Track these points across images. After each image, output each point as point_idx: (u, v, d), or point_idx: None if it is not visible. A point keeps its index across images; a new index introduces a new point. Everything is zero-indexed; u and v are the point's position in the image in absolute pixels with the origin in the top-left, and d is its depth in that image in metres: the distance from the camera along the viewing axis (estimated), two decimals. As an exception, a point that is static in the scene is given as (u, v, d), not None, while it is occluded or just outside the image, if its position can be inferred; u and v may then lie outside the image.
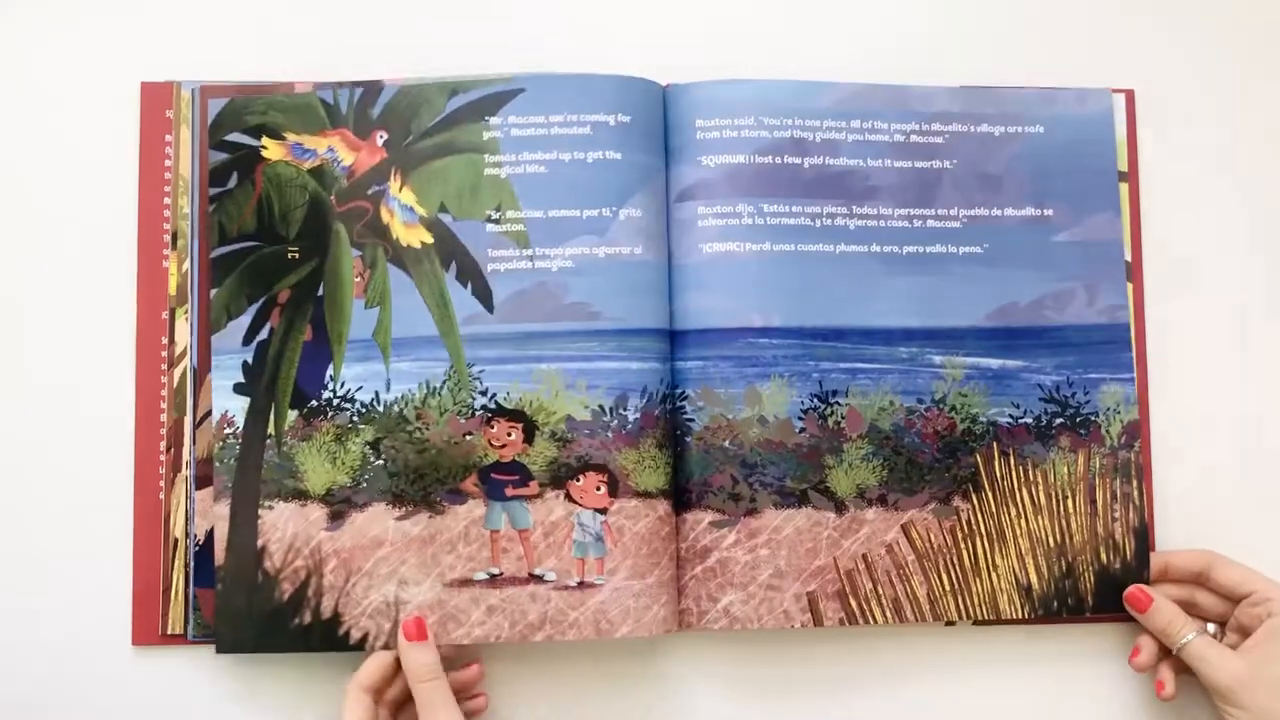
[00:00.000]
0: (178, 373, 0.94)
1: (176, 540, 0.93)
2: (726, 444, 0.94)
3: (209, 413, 0.93)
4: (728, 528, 0.93)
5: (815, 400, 0.95)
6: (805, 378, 0.95)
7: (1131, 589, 0.95)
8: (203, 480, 0.93)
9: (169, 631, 0.93)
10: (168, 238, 0.96)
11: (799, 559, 0.94)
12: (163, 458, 0.94)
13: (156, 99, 0.97)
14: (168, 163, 0.96)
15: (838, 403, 0.95)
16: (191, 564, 0.93)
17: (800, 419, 0.94)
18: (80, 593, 0.94)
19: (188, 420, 0.94)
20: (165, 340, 0.95)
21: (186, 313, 0.95)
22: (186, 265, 0.95)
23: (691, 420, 0.94)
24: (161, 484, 0.94)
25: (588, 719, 0.96)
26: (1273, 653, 0.90)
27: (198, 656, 0.94)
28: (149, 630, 0.94)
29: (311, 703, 0.94)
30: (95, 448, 0.95)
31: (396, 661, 0.90)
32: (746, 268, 0.94)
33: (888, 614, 0.94)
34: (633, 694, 0.96)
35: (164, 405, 0.95)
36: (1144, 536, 0.96)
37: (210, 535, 0.93)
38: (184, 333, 0.95)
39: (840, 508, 0.95)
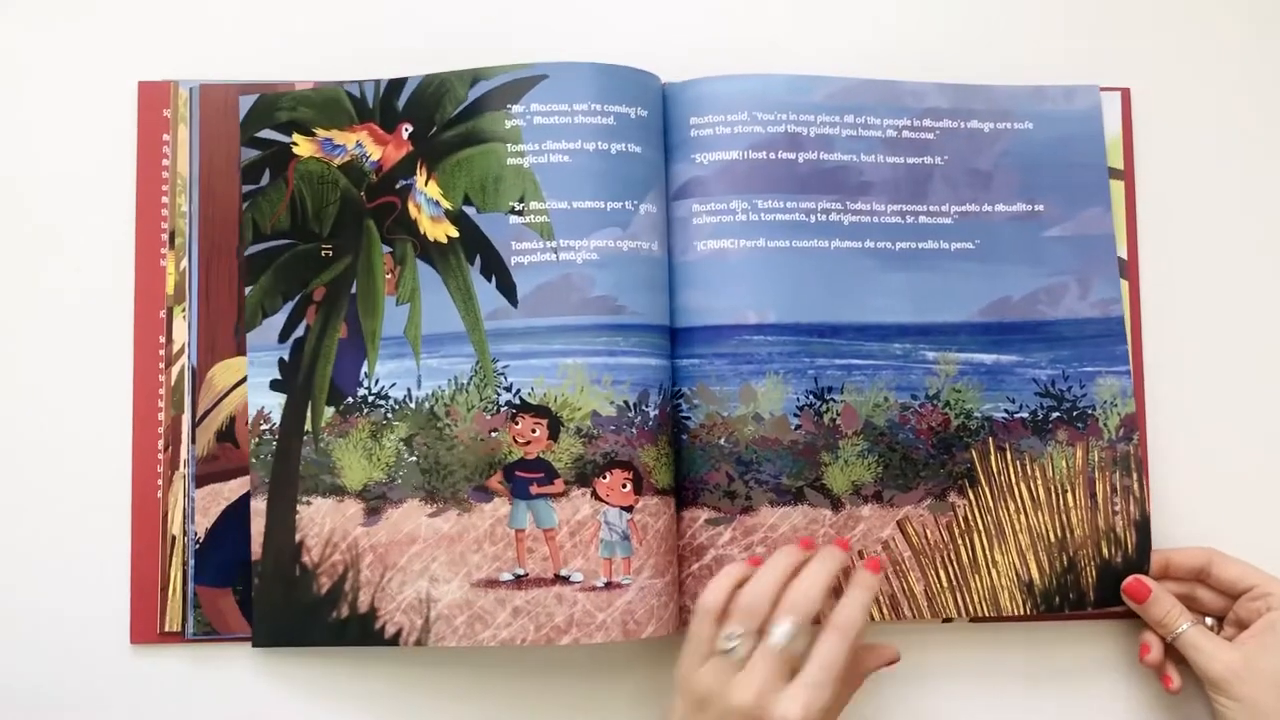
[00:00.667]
0: (175, 371, 0.94)
1: (174, 538, 0.93)
2: (722, 441, 0.93)
3: (208, 411, 0.94)
4: (723, 525, 0.93)
5: (811, 397, 0.94)
6: (801, 374, 0.94)
7: (1130, 580, 0.95)
8: (203, 478, 0.93)
9: (167, 629, 0.93)
10: (165, 236, 0.95)
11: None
12: (160, 456, 0.94)
13: (154, 98, 0.97)
14: (165, 162, 0.96)
15: (833, 399, 0.95)
16: (191, 562, 0.93)
17: (796, 416, 0.94)
18: (78, 591, 0.94)
19: (185, 418, 0.94)
20: (163, 339, 0.95)
21: (184, 311, 0.95)
22: (184, 264, 0.95)
23: (688, 418, 0.94)
24: (159, 482, 0.94)
25: (581, 718, 0.96)
26: (1268, 644, 0.90)
27: (196, 654, 0.94)
28: (147, 628, 0.93)
29: (311, 701, 0.94)
30: (93, 446, 0.95)
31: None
32: (741, 265, 0.94)
33: (884, 611, 0.94)
34: (629, 692, 0.96)
35: (161, 404, 0.95)
36: (1145, 529, 0.96)
37: (210, 533, 0.93)
38: (181, 331, 0.95)
39: (836, 505, 0.94)
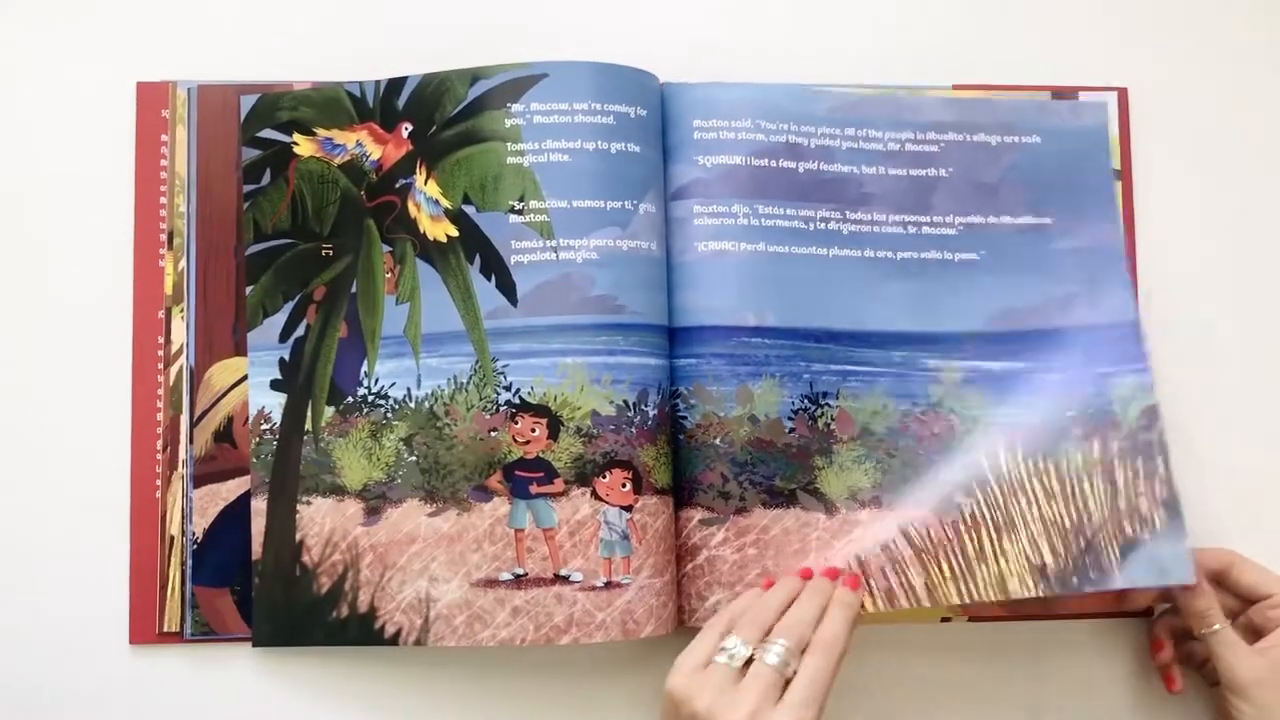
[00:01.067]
0: (174, 371, 0.94)
1: (173, 538, 0.93)
2: (717, 441, 0.93)
3: (206, 411, 0.94)
4: (717, 525, 0.93)
5: (805, 401, 0.94)
6: (796, 378, 0.94)
7: None
8: (200, 478, 0.93)
9: (165, 629, 0.93)
10: (164, 237, 0.96)
11: (786, 559, 0.93)
12: (159, 456, 0.94)
13: (152, 99, 0.97)
14: (163, 162, 0.96)
15: (828, 404, 0.94)
16: (189, 562, 0.93)
17: (790, 419, 0.94)
18: (77, 591, 0.94)
19: (183, 418, 0.94)
20: (161, 339, 0.95)
21: (183, 311, 0.95)
22: (183, 264, 0.95)
23: (684, 418, 0.93)
24: (158, 482, 0.94)
25: (581, 718, 0.96)
26: None
27: (195, 655, 0.94)
28: (146, 629, 0.93)
29: (311, 701, 0.94)
30: (92, 446, 0.95)
31: None
32: (741, 267, 0.94)
33: (879, 603, 0.92)
34: (628, 692, 0.96)
35: (160, 404, 0.95)
36: (1175, 507, 0.93)
37: (207, 533, 0.93)
38: (180, 331, 0.95)
39: (830, 509, 0.94)
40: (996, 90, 1.01)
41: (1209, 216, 1.02)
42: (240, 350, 0.95)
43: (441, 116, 0.94)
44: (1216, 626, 0.92)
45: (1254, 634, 0.93)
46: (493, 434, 0.92)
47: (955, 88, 1.01)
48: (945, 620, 0.97)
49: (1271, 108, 1.04)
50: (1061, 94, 1.01)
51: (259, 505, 0.93)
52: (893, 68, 1.00)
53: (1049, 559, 0.93)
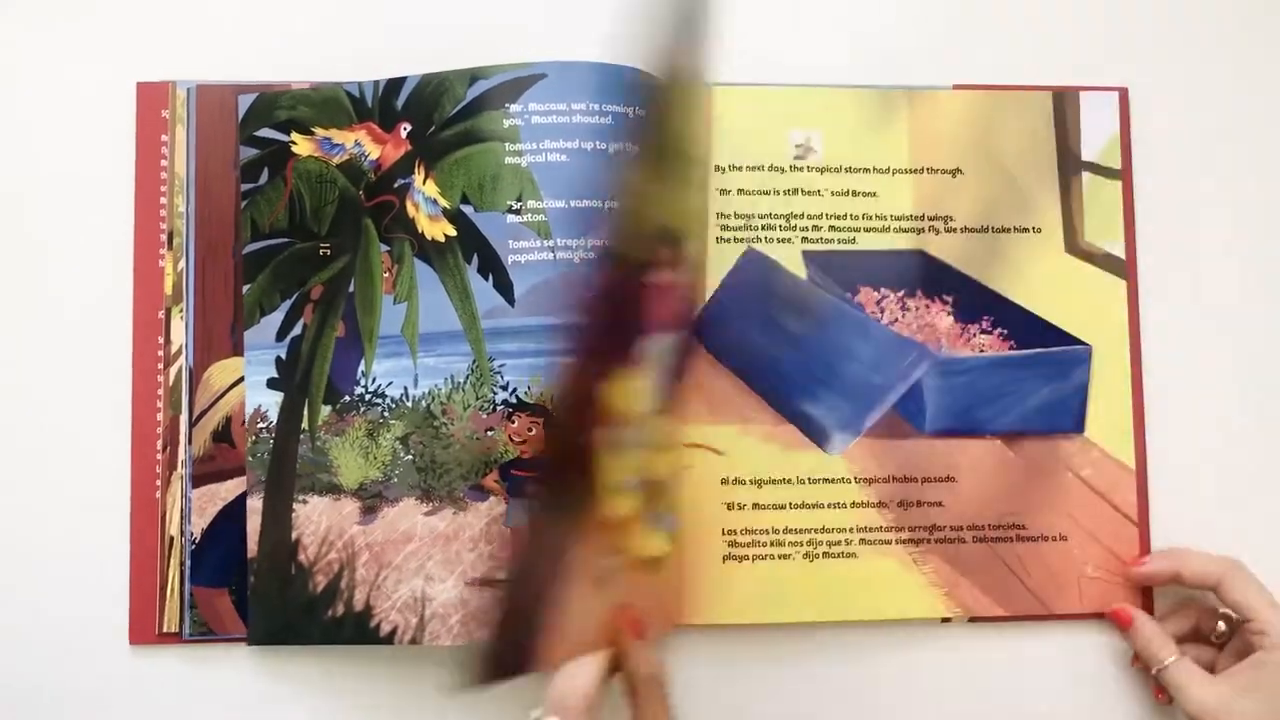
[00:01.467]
0: (173, 371, 0.94)
1: (172, 539, 0.93)
2: None
3: (205, 411, 0.94)
4: None
5: None
6: None
7: (1116, 606, 0.95)
8: (199, 479, 0.93)
9: (165, 630, 0.93)
10: (164, 237, 0.96)
11: None
12: (159, 456, 0.94)
13: (152, 99, 0.97)
14: (163, 162, 0.96)
15: None
16: (188, 563, 0.93)
17: None
18: (77, 592, 0.94)
19: (183, 418, 0.94)
20: (161, 339, 0.95)
21: (182, 312, 0.95)
22: (182, 264, 0.95)
23: None
24: (158, 482, 0.94)
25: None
26: (1248, 685, 0.89)
27: (194, 655, 0.94)
28: (145, 629, 0.93)
29: (307, 700, 0.94)
30: (92, 447, 0.95)
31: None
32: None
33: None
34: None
35: (160, 404, 0.95)
36: None
37: (206, 533, 0.93)
38: (179, 331, 0.95)
39: None
40: (997, 90, 1.00)
41: (1209, 216, 1.02)
42: (239, 350, 0.94)
43: (440, 116, 0.94)
44: (1168, 661, 0.91)
45: (1244, 647, 0.92)
46: (489, 433, 0.92)
47: (955, 88, 1.00)
48: (945, 620, 0.97)
49: (1272, 107, 1.03)
50: (1062, 94, 1.01)
51: (255, 504, 0.93)
52: (893, 68, 0.99)
53: None
